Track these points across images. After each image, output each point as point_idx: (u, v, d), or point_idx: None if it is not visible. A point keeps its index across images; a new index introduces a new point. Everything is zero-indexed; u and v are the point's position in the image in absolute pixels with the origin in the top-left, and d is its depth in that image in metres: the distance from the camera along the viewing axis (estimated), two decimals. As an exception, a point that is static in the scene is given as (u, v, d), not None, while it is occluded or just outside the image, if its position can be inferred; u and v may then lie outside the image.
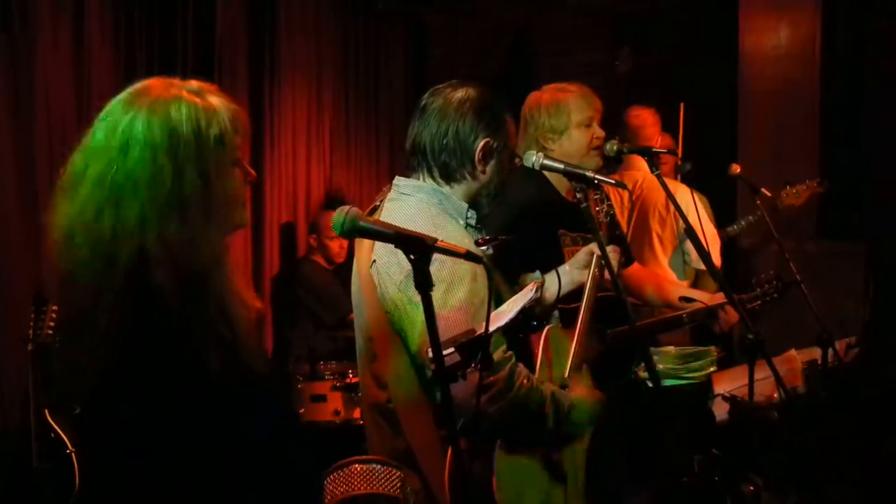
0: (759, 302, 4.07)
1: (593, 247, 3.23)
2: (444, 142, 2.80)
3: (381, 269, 2.71)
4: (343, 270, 6.48)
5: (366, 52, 7.62)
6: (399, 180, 2.89)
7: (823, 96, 6.94)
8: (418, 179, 2.85)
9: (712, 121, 6.97)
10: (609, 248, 3.22)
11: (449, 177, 2.83)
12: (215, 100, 2.11)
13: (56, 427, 4.35)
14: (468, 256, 2.07)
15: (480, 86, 2.90)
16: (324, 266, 6.59)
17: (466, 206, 2.84)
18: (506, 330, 2.21)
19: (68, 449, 4.33)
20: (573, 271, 3.28)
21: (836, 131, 7.07)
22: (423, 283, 2.04)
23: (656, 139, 5.50)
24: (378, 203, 2.91)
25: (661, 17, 7.64)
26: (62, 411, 4.49)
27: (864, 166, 7.04)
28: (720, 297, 3.89)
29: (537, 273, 3.37)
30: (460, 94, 2.84)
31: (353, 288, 2.92)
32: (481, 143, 2.81)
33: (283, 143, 6.77)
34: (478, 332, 2.22)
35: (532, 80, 7.61)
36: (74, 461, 4.25)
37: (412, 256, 2.05)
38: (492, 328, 2.14)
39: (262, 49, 6.59)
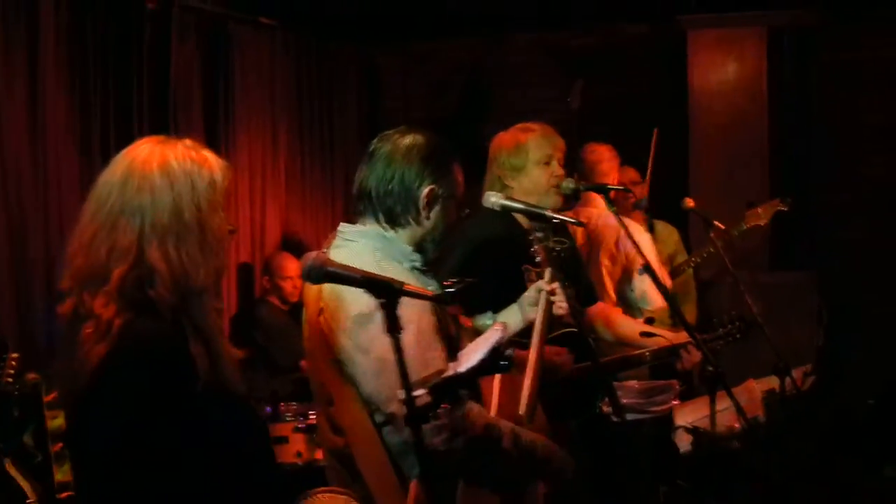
0: (721, 342, 4.11)
1: (541, 283, 3.25)
2: (390, 187, 2.81)
3: (328, 316, 2.72)
4: (298, 310, 6.48)
5: (320, 94, 7.63)
6: (344, 227, 2.91)
7: (772, 129, 7.06)
8: (364, 224, 2.87)
9: (663, 154, 7.05)
10: (556, 285, 3.24)
11: (394, 221, 2.84)
12: (208, 154, 2.31)
13: (17, 477, 4.31)
14: (436, 299, 2.09)
15: (429, 132, 2.92)
16: (279, 307, 6.58)
17: (411, 249, 2.85)
18: (476, 371, 2.22)
19: (28, 499, 4.29)
20: (524, 308, 3.29)
21: (785, 163, 7.20)
22: (392, 326, 2.06)
23: (613, 175, 5.50)
24: (325, 250, 2.89)
25: (611, 53, 7.74)
26: (23, 461, 4.46)
27: (813, 197, 7.18)
28: (683, 336, 3.92)
29: (489, 313, 3.39)
30: (408, 139, 2.86)
31: (305, 334, 2.92)
32: (426, 190, 2.83)
33: (240, 186, 6.76)
34: (447, 373, 2.24)
35: (485, 117, 7.71)
36: (36, 511, 4.22)
37: (382, 300, 2.07)
38: (462, 369, 2.17)
39: (216, 92, 6.58)
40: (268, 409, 5.75)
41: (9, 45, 5.13)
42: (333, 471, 2.86)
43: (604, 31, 7.75)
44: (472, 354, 2.27)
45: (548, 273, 3.23)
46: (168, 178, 2.20)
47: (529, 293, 3.29)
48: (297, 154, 7.38)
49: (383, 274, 2.36)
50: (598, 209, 5.23)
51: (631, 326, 4.32)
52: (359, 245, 2.81)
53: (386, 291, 2.08)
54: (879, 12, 7.02)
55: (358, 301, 2.60)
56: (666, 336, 4.08)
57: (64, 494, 4.31)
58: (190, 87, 6.31)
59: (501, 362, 2.23)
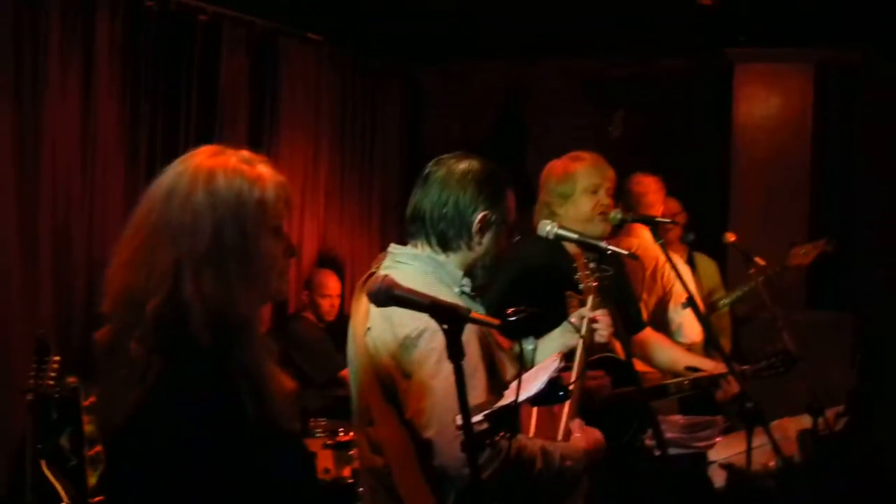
0: (764, 373, 4.10)
1: (584, 310, 3.27)
2: (444, 211, 2.84)
3: (375, 336, 2.74)
4: (333, 328, 6.49)
5: (362, 110, 7.69)
6: (395, 248, 2.93)
7: (814, 165, 7.05)
8: (416, 247, 2.89)
9: (704, 187, 7.05)
10: (599, 312, 3.27)
11: (446, 245, 2.87)
12: (263, 169, 2.14)
13: (52, 478, 4.34)
14: (501, 328, 2.10)
15: (485, 159, 2.95)
16: (315, 323, 6.60)
17: (461, 273, 2.88)
18: (534, 401, 2.23)
19: (63, 501, 4.32)
20: (564, 335, 3.31)
21: (826, 200, 7.17)
22: (455, 352, 2.07)
23: (659, 206, 5.49)
24: (374, 270, 2.93)
25: (652, 83, 7.74)
26: (58, 463, 4.50)
27: (853, 236, 7.14)
28: (722, 367, 3.92)
29: (530, 338, 3.40)
30: (463, 165, 2.89)
31: (350, 352, 2.94)
32: (480, 216, 2.85)
33: (280, 198, 6.79)
34: (504, 401, 2.25)
35: (523, 141, 7.73)
36: (71, 514, 4.25)
37: (445, 326, 2.08)
38: (521, 398, 2.17)
39: (262, 104, 6.64)
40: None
41: (65, 56, 5.20)
42: (371, 490, 2.87)
43: (646, 62, 7.76)
44: (531, 383, 2.28)
45: (590, 300, 3.24)
46: (212, 197, 2.05)
47: (572, 319, 3.31)
48: (337, 169, 7.42)
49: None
50: (639, 239, 5.23)
51: (675, 354, 4.32)
52: (410, 268, 2.83)
53: (451, 317, 2.09)
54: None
55: (406, 324, 2.63)
56: (707, 366, 4.08)
57: (96, 499, 4.34)
58: (237, 99, 6.37)
59: (560, 392, 2.23)
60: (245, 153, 2.15)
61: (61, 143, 5.18)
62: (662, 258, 4.46)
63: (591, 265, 3.40)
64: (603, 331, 3.27)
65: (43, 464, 4.40)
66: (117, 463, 2.11)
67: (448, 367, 2.52)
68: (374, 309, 2.72)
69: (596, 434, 2.97)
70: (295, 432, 2.22)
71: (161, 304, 1.99)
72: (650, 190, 5.48)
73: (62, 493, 4.39)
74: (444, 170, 2.89)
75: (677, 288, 4.95)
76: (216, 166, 2.09)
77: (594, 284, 3.33)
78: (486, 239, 2.88)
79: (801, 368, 4.15)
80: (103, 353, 2.10)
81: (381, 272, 2.83)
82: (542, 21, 7.10)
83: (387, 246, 3.01)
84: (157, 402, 1.98)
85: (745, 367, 4.09)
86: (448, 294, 2.78)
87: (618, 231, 4.89)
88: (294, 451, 2.16)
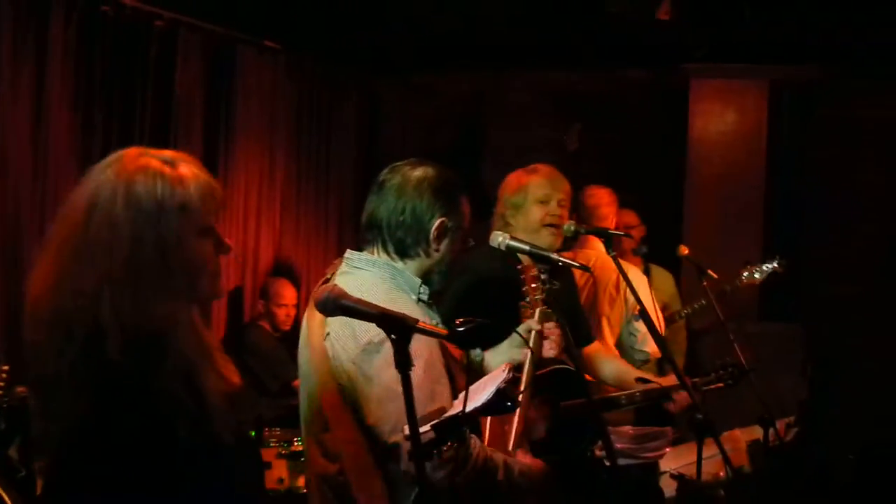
0: (712, 385, 4.14)
1: (531, 323, 3.28)
2: (401, 219, 2.84)
3: (334, 341, 2.73)
4: (289, 337, 6.47)
5: (319, 120, 7.66)
6: (351, 254, 2.92)
7: (768, 181, 7.13)
8: (372, 254, 2.89)
9: (659, 200, 7.10)
10: (548, 325, 3.29)
11: (403, 253, 2.86)
12: (186, 169, 2.10)
13: (0, 490, 4.29)
14: (448, 338, 2.10)
15: (439, 165, 2.95)
16: (270, 332, 6.57)
17: (419, 281, 2.87)
18: (481, 411, 2.24)
19: (12, 512, 4.26)
20: (513, 348, 3.30)
21: (779, 215, 7.25)
22: (403, 362, 2.07)
23: (612, 218, 5.50)
24: (329, 276, 2.92)
25: (610, 98, 7.80)
26: (7, 473, 4.43)
27: (805, 250, 7.23)
28: (673, 380, 3.95)
29: (478, 350, 3.40)
30: (419, 172, 2.88)
31: (302, 358, 2.91)
32: (437, 223, 2.85)
33: (235, 208, 6.77)
34: (451, 411, 2.25)
35: (482, 154, 7.75)
36: (19, 525, 4.19)
37: (393, 336, 2.08)
38: (468, 408, 2.17)
39: (218, 113, 6.60)
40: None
41: (17, 60, 5.14)
42: (321, 497, 2.84)
43: (605, 75, 7.81)
44: (479, 394, 2.28)
45: (538, 313, 3.25)
46: (131, 210, 2.01)
47: (520, 330, 3.31)
48: (294, 179, 7.39)
49: (394, 305, 2.38)
50: (596, 252, 5.25)
51: (621, 368, 4.34)
52: (369, 274, 2.83)
53: (399, 328, 2.09)
54: (879, 71, 7.10)
55: (368, 329, 2.61)
56: (658, 381, 4.10)
57: (46, 509, 4.28)
58: (192, 107, 6.33)
59: (508, 403, 2.24)
60: (167, 153, 2.11)
61: (12, 150, 5.12)
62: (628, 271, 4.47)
63: (542, 277, 3.42)
64: (551, 344, 3.29)
65: (-3, 470, 4.35)
66: (55, 481, 2.09)
67: (416, 372, 2.55)
68: (329, 317, 2.69)
69: (539, 464, 3.00)
70: (240, 439, 2.17)
71: (88, 330, 1.97)
72: (603, 202, 5.48)
73: (9, 503, 4.33)
74: (400, 177, 2.88)
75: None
76: (136, 173, 2.04)
77: (541, 297, 3.34)
78: (443, 246, 2.88)
79: (752, 379, 4.19)
80: (34, 378, 2.05)
81: (338, 277, 2.83)
82: (503, 35, 7.14)
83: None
84: (88, 433, 1.97)
85: (695, 379, 4.13)
86: (407, 301, 2.79)
87: (572, 243, 4.91)
88: (238, 460, 2.14)
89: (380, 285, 2.77)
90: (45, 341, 2.01)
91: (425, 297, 2.88)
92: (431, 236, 2.85)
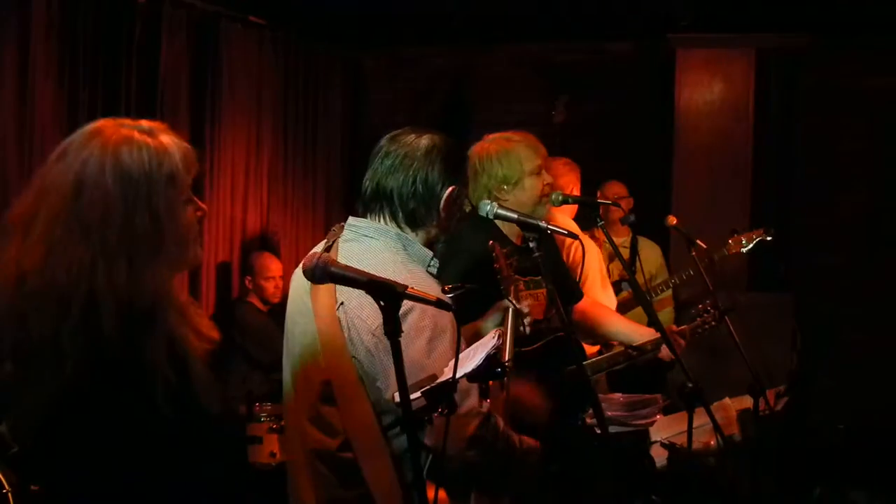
0: (699, 331, 4.27)
1: (505, 302, 3.26)
2: (413, 188, 2.80)
3: (351, 312, 2.68)
4: (278, 311, 6.47)
5: (305, 95, 7.65)
6: (358, 221, 2.87)
7: (756, 150, 7.13)
8: (378, 222, 2.84)
9: (647, 172, 7.10)
10: (524, 303, 3.29)
11: (415, 222, 2.83)
12: (166, 139, 2.12)
13: (-9, 468, 4.27)
14: (438, 304, 2.09)
15: (440, 133, 2.92)
16: (259, 307, 6.57)
17: (431, 253, 2.84)
18: (471, 378, 2.24)
19: (4, 489, 4.25)
20: (486, 325, 3.29)
21: (767, 185, 7.26)
22: (393, 329, 2.07)
23: (574, 187, 5.41)
24: (331, 243, 2.88)
25: (596, 69, 7.79)
26: (-3, 451, 4.41)
27: (793, 219, 7.24)
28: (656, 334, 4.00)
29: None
30: (426, 141, 2.85)
31: (296, 328, 2.88)
32: (448, 191, 2.83)
33: (222, 184, 6.76)
34: (441, 378, 2.25)
35: (468, 127, 7.73)
36: (11, 501, 4.17)
37: (382, 303, 2.08)
38: (458, 374, 2.17)
39: (203, 89, 6.58)
40: (242, 407, 5.75)
41: (0, 38, 5.11)
42: (315, 474, 2.79)
43: (591, 47, 7.80)
44: (469, 360, 2.28)
45: (513, 290, 3.24)
46: (122, 185, 2.03)
47: (493, 314, 3.30)
48: (280, 154, 7.38)
49: (413, 278, 2.38)
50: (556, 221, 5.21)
51: (625, 322, 4.38)
52: (379, 243, 2.78)
53: (388, 295, 2.08)
54: (865, 40, 7.11)
55: None
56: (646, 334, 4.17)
57: (38, 487, 4.26)
58: (178, 83, 6.31)
59: (497, 369, 2.24)
60: (144, 123, 2.13)
61: (-3, 126, 5.10)
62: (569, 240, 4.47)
63: (532, 245, 3.41)
64: (530, 319, 3.29)
65: (-26, 452, 4.33)
66: (44, 445, 2.08)
67: (442, 346, 2.55)
68: (317, 284, 2.63)
69: (531, 440, 3.00)
70: (217, 419, 2.17)
71: (83, 300, 1.98)
72: (559, 173, 5.35)
73: (3, 481, 4.30)
74: (406, 146, 2.84)
75: (593, 267, 4.99)
76: (121, 144, 2.06)
77: (514, 273, 3.32)
78: (451, 214, 2.87)
79: (741, 347, 4.22)
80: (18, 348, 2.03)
81: (342, 244, 2.80)
82: (488, 7, 7.11)
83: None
84: (73, 404, 1.98)
85: (682, 327, 4.20)
86: (422, 273, 2.75)
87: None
88: (219, 435, 2.16)
89: (391, 255, 2.74)
90: (33, 312, 1.99)
91: (434, 271, 2.83)
92: (442, 205, 2.83)
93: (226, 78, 6.76)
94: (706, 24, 6.99)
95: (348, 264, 2.41)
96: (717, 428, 3.78)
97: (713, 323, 4.30)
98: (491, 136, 4.01)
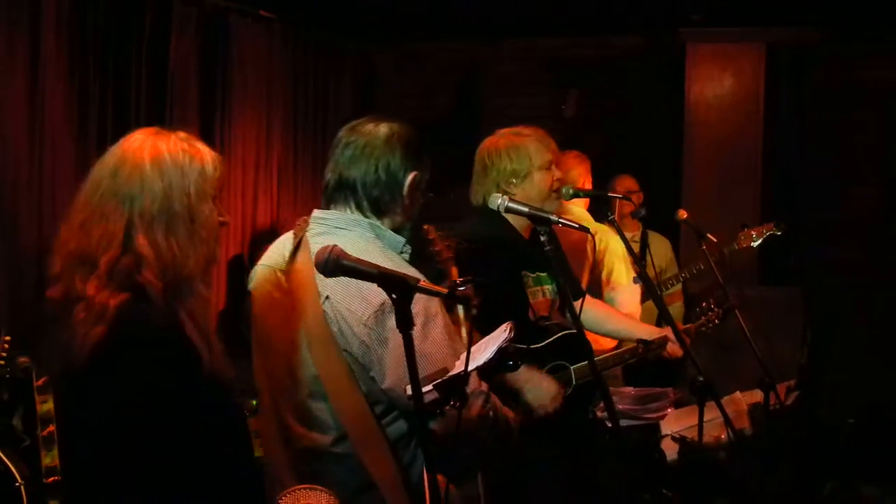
0: (704, 328, 4.27)
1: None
2: (376, 176, 2.79)
3: (338, 304, 2.65)
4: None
5: (315, 89, 7.65)
6: (325, 214, 2.86)
7: (766, 145, 7.11)
8: (346, 213, 2.83)
9: (657, 166, 7.09)
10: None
11: (380, 210, 2.81)
12: (199, 145, 2.34)
13: (5, 459, 4.30)
14: (450, 297, 2.10)
15: (399, 120, 2.92)
16: (269, 301, 6.56)
17: (403, 240, 2.84)
18: (483, 370, 2.24)
19: (17, 482, 4.28)
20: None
21: (777, 179, 7.24)
22: (404, 321, 2.07)
23: (582, 181, 5.38)
24: (299, 238, 2.86)
25: (607, 63, 7.77)
26: (11, 443, 4.45)
27: (804, 213, 7.22)
28: (668, 331, 4.00)
29: None
30: (385, 128, 2.84)
31: (274, 325, 2.84)
32: (410, 177, 2.82)
33: (233, 179, 6.76)
34: (452, 371, 2.25)
35: (478, 121, 7.73)
36: (23, 493, 4.20)
37: (394, 296, 2.08)
38: (470, 367, 2.18)
39: (213, 84, 6.58)
40: (249, 402, 5.73)
41: (10, 34, 5.11)
42: (296, 475, 2.72)
43: (601, 41, 7.79)
44: (480, 353, 2.28)
45: (454, 272, 3.24)
46: (158, 167, 2.22)
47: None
48: (290, 148, 7.38)
49: (394, 266, 2.36)
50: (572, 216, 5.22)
51: (624, 319, 4.39)
52: (354, 234, 2.77)
53: (401, 287, 2.09)
54: (876, 33, 7.09)
55: (380, 291, 2.47)
56: (650, 332, 4.17)
57: (51, 479, 4.29)
58: (187, 78, 6.31)
59: (509, 362, 2.24)
60: (182, 133, 2.34)
61: (8, 123, 5.10)
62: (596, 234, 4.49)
63: (543, 238, 3.41)
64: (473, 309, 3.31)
65: (-9, 440, 4.37)
66: (79, 396, 2.20)
67: (436, 330, 2.55)
68: (329, 277, 2.65)
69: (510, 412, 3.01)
70: (233, 386, 2.31)
71: (114, 257, 2.15)
72: (570, 166, 5.34)
73: (16, 473, 4.33)
74: (366, 135, 2.84)
75: (609, 263, 4.99)
76: (159, 142, 2.27)
77: (452, 256, 3.31)
78: (415, 200, 2.85)
79: (752, 340, 4.21)
80: (56, 305, 2.21)
81: (312, 238, 2.79)
82: (497, 1, 7.10)
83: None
84: (121, 336, 2.11)
85: (688, 325, 4.21)
86: (399, 260, 2.74)
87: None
88: (233, 400, 2.33)
89: (372, 246, 2.72)
90: (68, 272, 2.19)
91: (407, 257, 2.83)
92: (405, 191, 2.81)
93: (235, 72, 6.76)
94: (716, 19, 6.98)
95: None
96: (727, 422, 3.77)
97: (716, 321, 4.29)
98: (502, 131, 4.02)
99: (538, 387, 3.47)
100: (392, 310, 2.42)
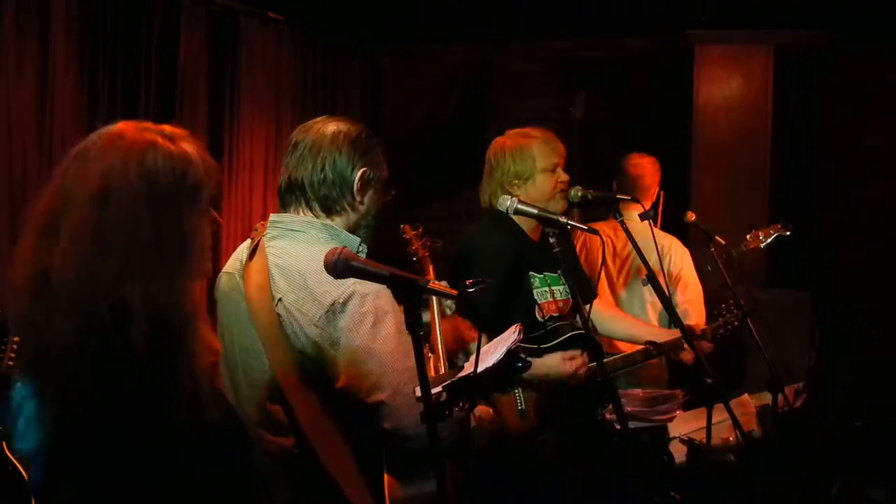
0: (721, 331, 4.26)
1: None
2: (323, 175, 2.78)
3: (290, 306, 2.65)
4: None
5: (323, 92, 7.66)
6: (280, 217, 2.82)
7: (775, 147, 7.09)
8: (299, 214, 2.81)
9: (665, 168, 7.07)
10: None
11: (329, 209, 2.80)
12: (188, 146, 2.08)
13: (13, 460, 4.30)
14: (460, 298, 2.10)
15: (349, 119, 2.91)
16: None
17: (358, 239, 2.82)
18: (492, 372, 2.23)
19: (26, 482, 4.28)
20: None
21: (786, 181, 7.23)
22: (415, 323, 2.07)
23: (654, 189, 5.38)
24: (256, 242, 2.83)
25: (615, 65, 7.77)
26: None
27: (812, 217, 7.21)
28: (678, 334, 4.00)
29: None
30: (332, 127, 2.83)
31: (237, 331, 2.80)
32: (359, 174, 2.80)
33: (241, 180, 6.78)
34: (462, 373, 2.25)
35: (486, 123, 7.73)
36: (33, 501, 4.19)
37: (404, 297, 2.08)
38: (479, 369, 2.18)
39: (222, 85, 6.60)
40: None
41: (20, 34, 5.13)
42: (270, 478, 2.67)
43: (610, 42, 7.78)
44: (489, 355, 2.28)
45: (431, 270, 3.24)
46: (147, 196, 1.98)
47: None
48: (299, 151, 7.38)
49: None
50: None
51: (629, 324, 4.40)
52: (308, 235, 2.76)
53: (410, 288, 2.08)
54: (885, 36, 7.06)
55: (329, 291, 2.56)
56: (661, 334, 4.17)
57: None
58: (196, 79, 6.33)
59: (518, 364, 2.24)
60: (167, 129, 2.08)
61: (18, 123, 5.12)
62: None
63: (553, 240, 3.41)
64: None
65: (3, 445, 4.35)
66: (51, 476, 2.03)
67: (386, 329, 2.54)
68: (278, 278, 2.66)
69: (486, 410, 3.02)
70: (222, 428, 2.12)
71: (109, 316, 1.93)
72: (647, 172, 5.30)
73: (25, 474, 4.34)
74: (314, 135, 2.82)
75: (638, 263, 4.99)
76: (146, 153, 2.01)
77: (429, 254, 3.31)
78: (367, 197, 2.83)
79: (760, 343, 4.21)
80: (36, 358, 2.00)
81: (270, 242, 2.76)
82: (506, 3, 7.10)
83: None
84: (90, 412, 1.93)
85: (703, 328, 4.21)
86: None
87: (578, 209, 4.91)
88: (227, 444, 2.12)
89: (326, 247, 2.55)
90: (60, 321, 1.95)
91: (363, 256, 2.77)
92: (355, 188, 2.80)
93: (244, 74, 6.77)
94: (725, 21, 6.97)
95: (280, 261, 2.56)
96: (736, 424, 3.77)
97: (736, 323, 4.28)
98: (511, 131, 4.04)
99: (554, 362, 3.53)
100: (342, 309, 2.44)
